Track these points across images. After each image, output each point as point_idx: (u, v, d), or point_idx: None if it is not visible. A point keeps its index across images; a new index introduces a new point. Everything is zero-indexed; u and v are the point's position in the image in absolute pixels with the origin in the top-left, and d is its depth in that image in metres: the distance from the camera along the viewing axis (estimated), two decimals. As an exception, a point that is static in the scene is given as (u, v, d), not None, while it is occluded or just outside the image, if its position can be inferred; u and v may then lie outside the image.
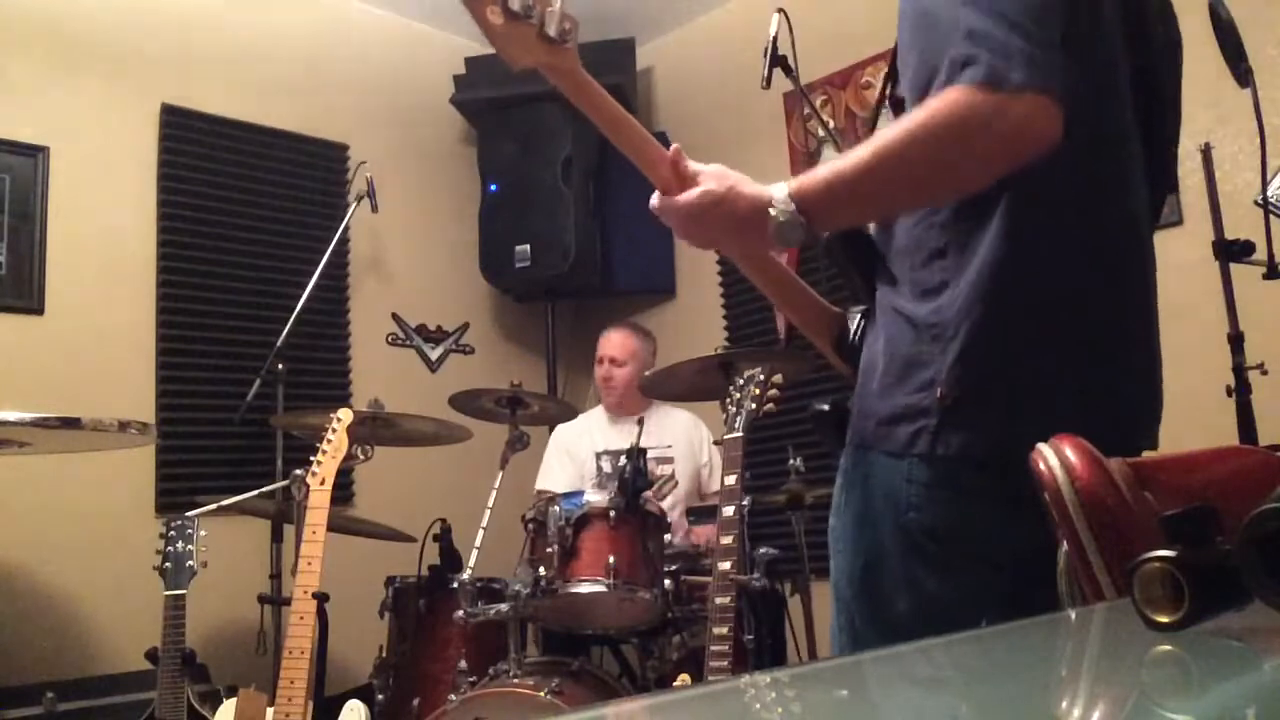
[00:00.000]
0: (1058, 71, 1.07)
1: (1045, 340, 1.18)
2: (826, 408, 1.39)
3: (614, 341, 3.70)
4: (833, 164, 1.18)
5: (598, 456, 3.58)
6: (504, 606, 2.50)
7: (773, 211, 1.18)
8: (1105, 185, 1.21)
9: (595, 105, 1.29)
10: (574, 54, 1.25)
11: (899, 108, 1.26)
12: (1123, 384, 1.22)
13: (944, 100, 1.09)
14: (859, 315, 1.38)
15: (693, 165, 1.28)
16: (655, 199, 1.29)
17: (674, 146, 1.29)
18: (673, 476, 3.45)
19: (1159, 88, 1.31)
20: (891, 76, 1.34)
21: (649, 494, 2.69)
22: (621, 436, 3.52)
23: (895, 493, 1.20)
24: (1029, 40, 1.07)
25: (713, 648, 2.18)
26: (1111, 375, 1.21)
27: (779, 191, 1.18)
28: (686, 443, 3.58)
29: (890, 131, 1.13)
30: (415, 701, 2.77)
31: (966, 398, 1.16)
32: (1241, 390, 2.37)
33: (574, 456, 3.62)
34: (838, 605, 1.30)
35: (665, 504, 3.03)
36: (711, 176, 1.25)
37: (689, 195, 1.24)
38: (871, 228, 1.35)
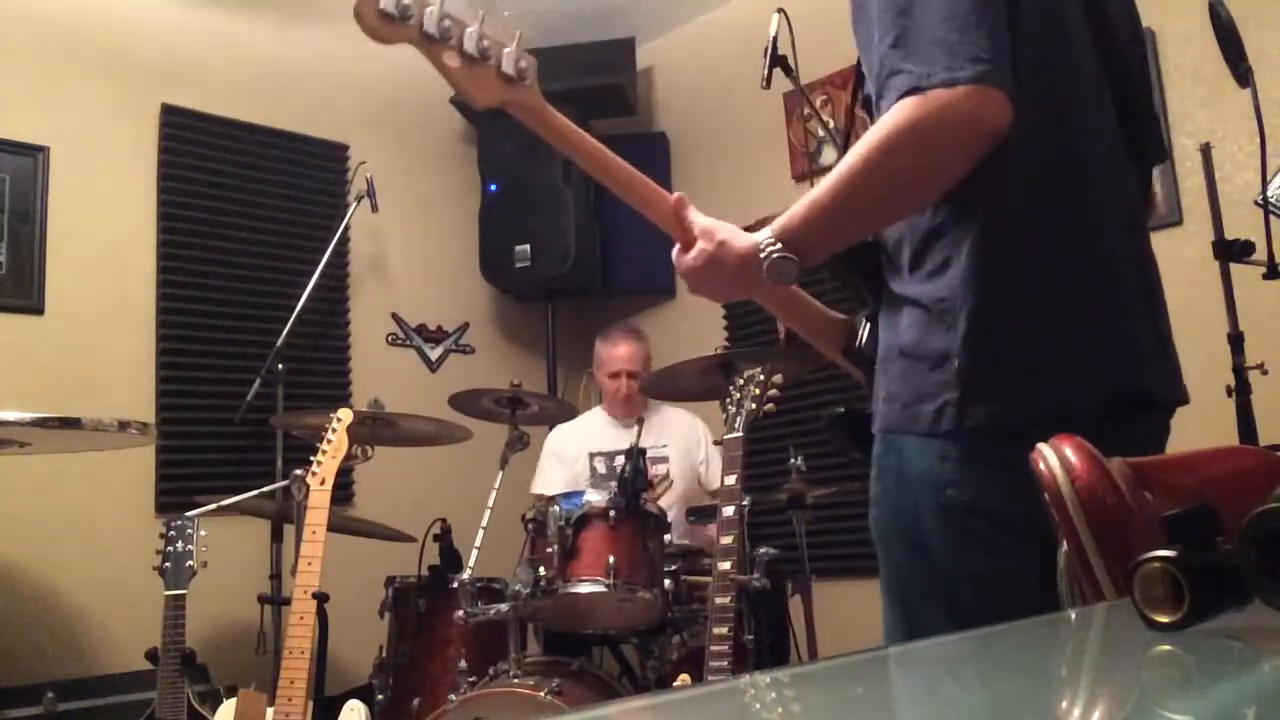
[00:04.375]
0: (1000, 60, 1.11)
1: (1045, 302, 1.20)
2: (841, 411, 1.42)
3: (625, 355, 3.64)
4: (807, 197, 1.23)
5: (591, 457, 3.58)
6: (504, 606, 2.50)
7: (761, 256, 1.23)
8: (1068, 149, 1.23)
9: (564, 138, 1.33)
10: (534, 90, 1.30)
11: (869, 105, 1.29)
12: (1126, 333, 1.23)
13: (892, 117, 1.13)
14: (865, 319, 1.40)
15: (690, 217, 1.33)
16: (675, 254, 1.36)
17: (677, 196, 1.34)
18: (667, 476, 3.45)
19: (1127, 63, 1.33)
20: (859, 76, 1.37)
21: (646, 495, 2.69)
22: (620, 437, 3.52)
23: (931, 473, 1.20)
24: (957, 36, 1.11)
25: (713, 648, 2.18)
26: (1113, 325, 1.22)
27: (764, 236, 1.24)
28: (681, 441, 3.58)
29: (851, 156, 1.18)
30: (415, 701, 2.77)
31: (983, 367, 1.18)
32: (1241, 390, 2.37)
33: (564, 459, 3.61)
34: (889, 597, 1.30)
35: (663, 503, 3.03)
36: (703, 234, 1.31)
37: (687, 259, 1.32)
38: None
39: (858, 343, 1.40)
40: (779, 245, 1.22)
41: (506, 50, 1.26)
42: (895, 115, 1.13)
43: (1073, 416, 1.13)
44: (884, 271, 1.32)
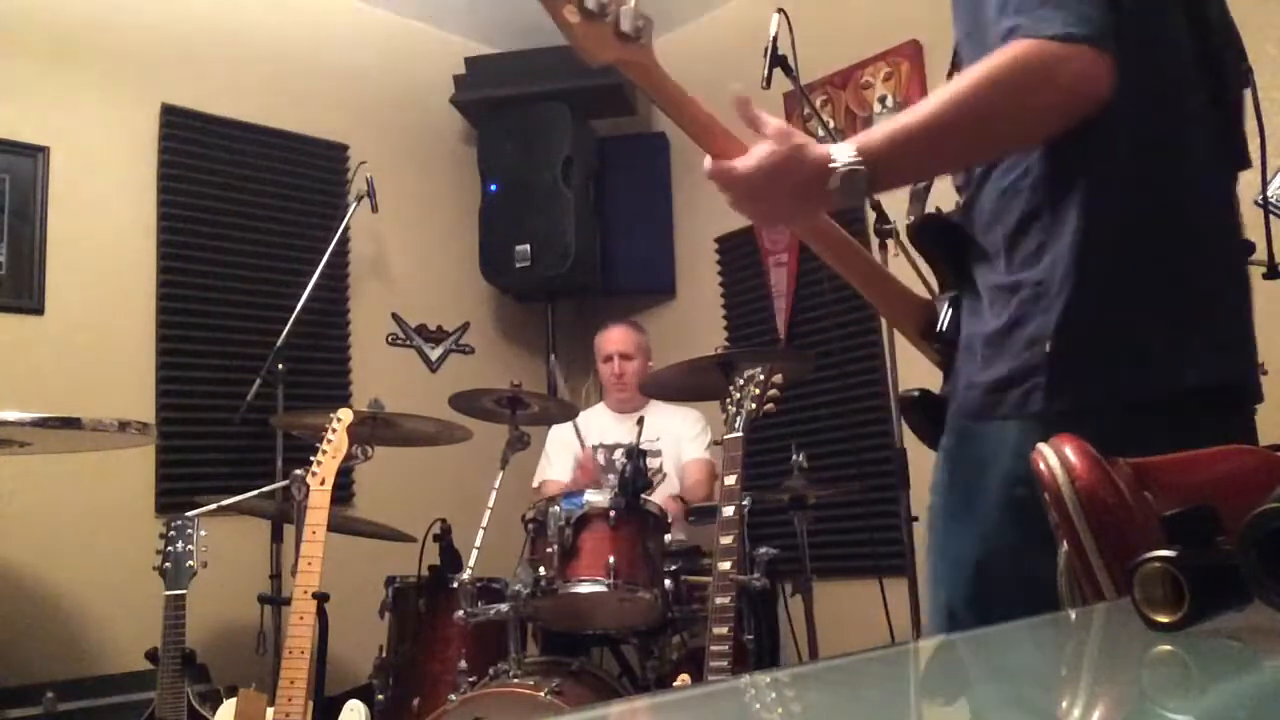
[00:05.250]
0: (1109, 27, 1.10)
1: (1144, 288, 1.18)
2: (917, 394, 1.39)
3: (618, 337, 3.72)
4: (894, 118, 1.19)
5: (595, 450, 3.60)
6: (504, 606, 2.50)
7: (834, 164, 1.17)
8: (1170, 135, 1.22)
9: (669, 98, 1.30)
10: (649, 50, 1.27)
11: None
12: (1225, 325, 1.21)
13: (1006, 54, 1.11)
14: (947, 303, 1.36)
15: (762, 116, 1.25)
16: (708, 162, 1.26)
17: (742, 97, 1.25)
18: (660, 469, 3.46)
19: (1221, 67, 1.32)
20: (955, 60, 1.35)
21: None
22: (622, 431, 3.54)
23: (1011, 465, 1.17)
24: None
25: (713, 648, 2.18)
26: (1213, 316, 1.20)
27: (842, 145, 1.19)
28: (673, 435, 3.59)
29: (955, 84, 1.15)
30: (415, 701, 2.77)
31: (1076, 348, 1.16)
32: (1242, 390, 2.36)
33: (571, 450, 3.63)
34: (937, 586, 1.27)
35: (655, 497, 3.04)
36: (776, 134, 1.22)
37: (750, 162, 1.22)
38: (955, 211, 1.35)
39: (939, 326, 1.36)
40: (856, 155, 1.17)
41: (625, 7, 1.23)
42: (1004, 54, 1.11)
43: (1170, 405, 1.12)
44: (969, 257, 1.29)
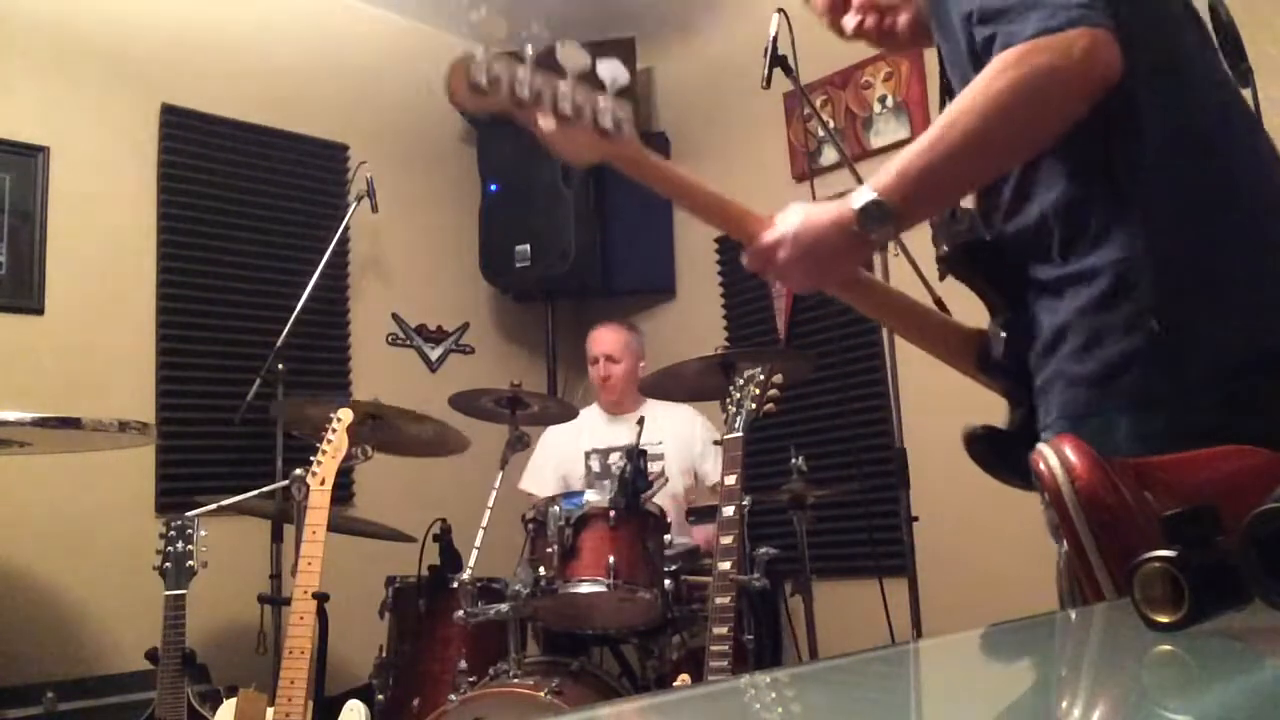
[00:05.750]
0: (1089, 4, 1.08)
1: (1226, 249, 1.15)
2: (979, 430, 1.31)
3: (605, 339, 3.70)
4: (900, 154, 1.18)
5: (587, 455, 3.58)
6: (504, 606, 2.50)
7: (854, 205, 1.18)
8: (1196, 100, 1.20)
9: (663, 182, 1.31)
10: (633, 142, 1.26)
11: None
12: None
13: (1003, 61, 1.10)
14: (1000, 330, 1.31)
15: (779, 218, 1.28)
16: (744, 255, 1.30)
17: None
18: (662, 473, 3.45)
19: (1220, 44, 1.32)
20: (944, 73, 1.33)
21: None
22: (617, 434, 3.53)
23: (1133, 451, 1.08)
24: None
25: (713, 648, 2.18)
26: None
27: (859, 190, 1.19)
28: (676, 438, 3.58)
29: (956, 105, 1.13)
30: (415, 701, 2.77)
31: (1181, 321, 1.12)
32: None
33: (560, 457, 3.62)
34: None
35: (658, 500, 3.03)
36: (790, 213, 1.26)
37: (771, 232, 1.26)
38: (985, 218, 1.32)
39: (995, 355, 1.31)
40: (874, 195, 1.16)
41: (599, 106, 1.22)
42: (1011, 59, 1.09)
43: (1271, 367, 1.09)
44: (1027, 263, 1.25)
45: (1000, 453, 1.28)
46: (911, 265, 2.53)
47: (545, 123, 1.21)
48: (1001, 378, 1.31)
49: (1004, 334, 1.29)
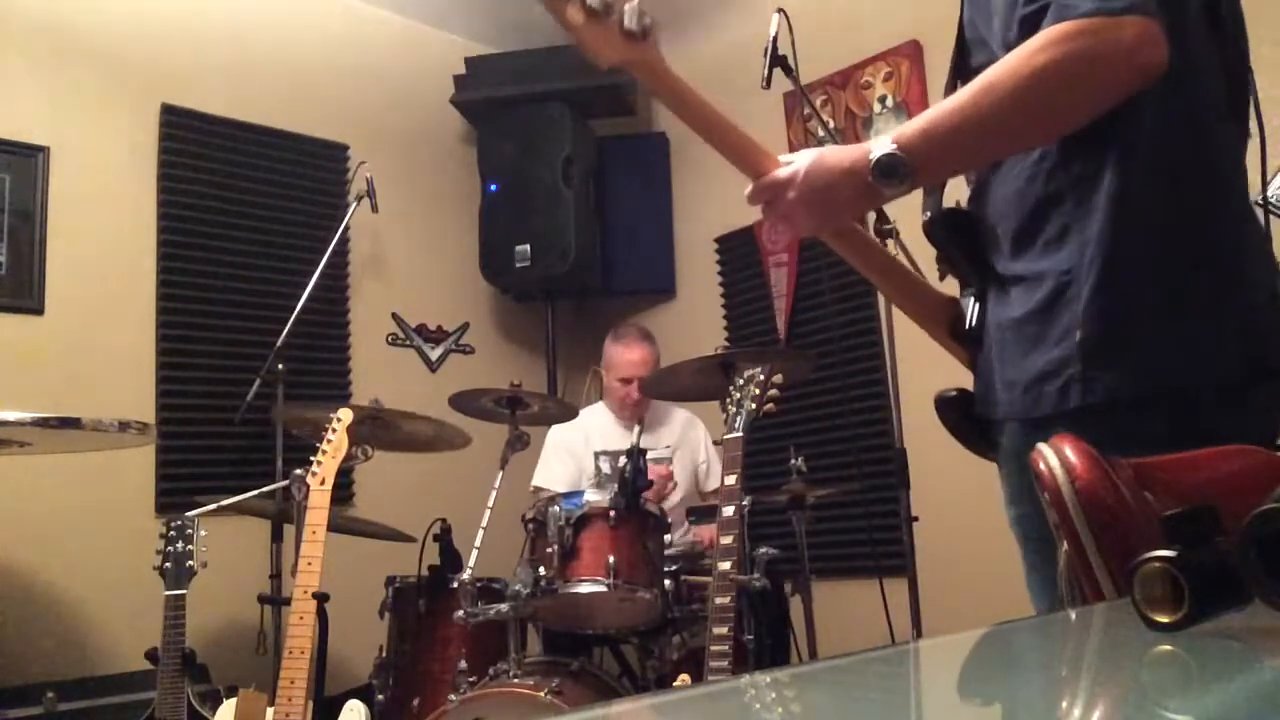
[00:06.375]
0: None
1: (1176, 269, 1.14)
2: (953, 394, 1.35)
3: (639, 360, 3.52)
4: (930, 111, 1.17)
5: (597, 456, 3.57)
6: (504, 606, 2.50)
7: (872, 155, 1.17)
8: (1193, 115, 1.19)
9: (678, 99, 1.29)
10: (657, 49, 1.25)
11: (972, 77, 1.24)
12: (1255, 303, 1.17)
13: (1050, 37, 1.07)
14: (971, 298, 1.33)
15: (784, 158, 1.27)
16: (750, 188, 1.29)
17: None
18: (671, 478, 3.43)
19: (1235, 63, 1.28)
20: (960, 49, 1.32)
21: (648, 495, 2.68)
22: (622, 436, 3.51)
23: None
24: None
25: (713, 648, 2.18)
26: (1244, 294, 1.16)
27: (880, 139, 1.18)
28: (683, 442, 3.57)
29: (995, 71, 1.11)
30: (415, 701, 2.77)
31: (1110, 336, 1.12)
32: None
33: (574, 454, 3.60)
34: (1037, 599, 1.24)
35: (666, 504, 3.03)
36: (803, 154, 1.25)
37: (793, 165, 1.24)
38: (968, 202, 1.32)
39: (967, 324, 1.32)
40: (894, 148, 1.16)
41: (629, 6, 1.22)
42: (1061, 34, 1.06)
43: (1204, 387, 1.08)
44: (987, 248, 1.26)
45: (971, 417, 1.30)
46: (911, 265, 2.53)
47: (574, 14, 1.19)
48: (973, 348, 1.32)
49: (976, 305, 1.31)
